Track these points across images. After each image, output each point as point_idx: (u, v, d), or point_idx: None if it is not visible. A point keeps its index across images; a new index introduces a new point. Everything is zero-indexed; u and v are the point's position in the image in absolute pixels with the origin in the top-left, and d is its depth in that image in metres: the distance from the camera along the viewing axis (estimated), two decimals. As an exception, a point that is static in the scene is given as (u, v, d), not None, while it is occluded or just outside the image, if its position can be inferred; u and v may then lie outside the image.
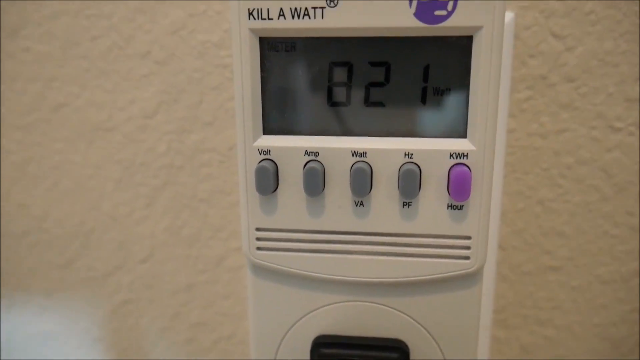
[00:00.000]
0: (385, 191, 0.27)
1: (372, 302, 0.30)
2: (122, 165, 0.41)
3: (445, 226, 0.28)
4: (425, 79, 0.26)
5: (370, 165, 0.27)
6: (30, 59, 0.39)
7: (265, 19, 0.26)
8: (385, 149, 0.27)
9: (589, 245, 0.39)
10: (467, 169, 0.26)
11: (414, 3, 0.25)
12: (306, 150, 0.27)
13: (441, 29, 0.25)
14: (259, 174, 0.27)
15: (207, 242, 0.42)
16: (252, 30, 0.26)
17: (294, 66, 0.27)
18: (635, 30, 0.34)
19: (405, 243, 0.28)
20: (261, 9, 0.26)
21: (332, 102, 0.27)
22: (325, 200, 0.28)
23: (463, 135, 0.27)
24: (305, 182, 0.27)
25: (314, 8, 0.25)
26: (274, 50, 0.27)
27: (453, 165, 0.27)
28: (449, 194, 0.27)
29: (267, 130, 0.28)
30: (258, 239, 0.29)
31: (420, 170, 0.27)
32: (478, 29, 0.25)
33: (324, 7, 0.25)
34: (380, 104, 0.27)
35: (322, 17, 0.25)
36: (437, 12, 0.25)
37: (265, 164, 0.27)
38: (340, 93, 0.27)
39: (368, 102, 0.27)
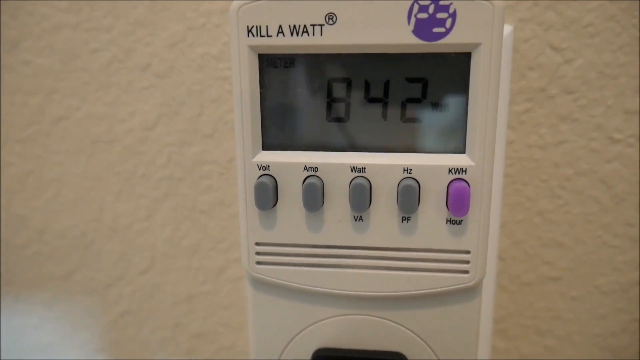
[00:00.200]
0: (384, 206, 0.27)
1: (371, 316, 0.30)
2: (123, 177, 0.41)
3: (444, 241, 0.28)
4: (424, 94, 0.26)
5: (369, 181, 0.27)
6: (31, 72, 0.39)
7: (264, 35, 0.26)
8: (384, 164, 0.27)
9: (589, 256, 0.39)
10: (465, 184, 0.26)
11: (413, 20, 0.25)
12: (305, 166, 0.27)
13: (439, 46, 0.25)
14: (258, 189, 0.28)
15: (208, 253, 0.42)
16: (251, 47, 0.26)
17: (293, 82, 0.27)
18: (634, 43, 0.34)
19: (405, 257, 0.28)
20: (260, 26, 0.26)
21: (331, 118, 0.27)
22: (324, 215, 0.28)
23: (462, 150, 0.27)
24: (304, 198, 0.27)
25: (313, 25, 0.25)
26: (273, 67, 0.27)
27: (452, 181, 0.27)
28: (447, 209, 0.27)
29: (266, 146, 0.28)
30: (258, 253, 0.29)
31: (419, 186, 0.27)
32: (476, 45, 0.25)
33: (323, 25, 0.25)
34: (379, 120, 0.27)
35: (321, 34, 0.25)
36: (436, 30, 0.25)
37: (265, 179, 0.28)
38: (339, 109, 0.27)
39: (367, 117, 0.27)
